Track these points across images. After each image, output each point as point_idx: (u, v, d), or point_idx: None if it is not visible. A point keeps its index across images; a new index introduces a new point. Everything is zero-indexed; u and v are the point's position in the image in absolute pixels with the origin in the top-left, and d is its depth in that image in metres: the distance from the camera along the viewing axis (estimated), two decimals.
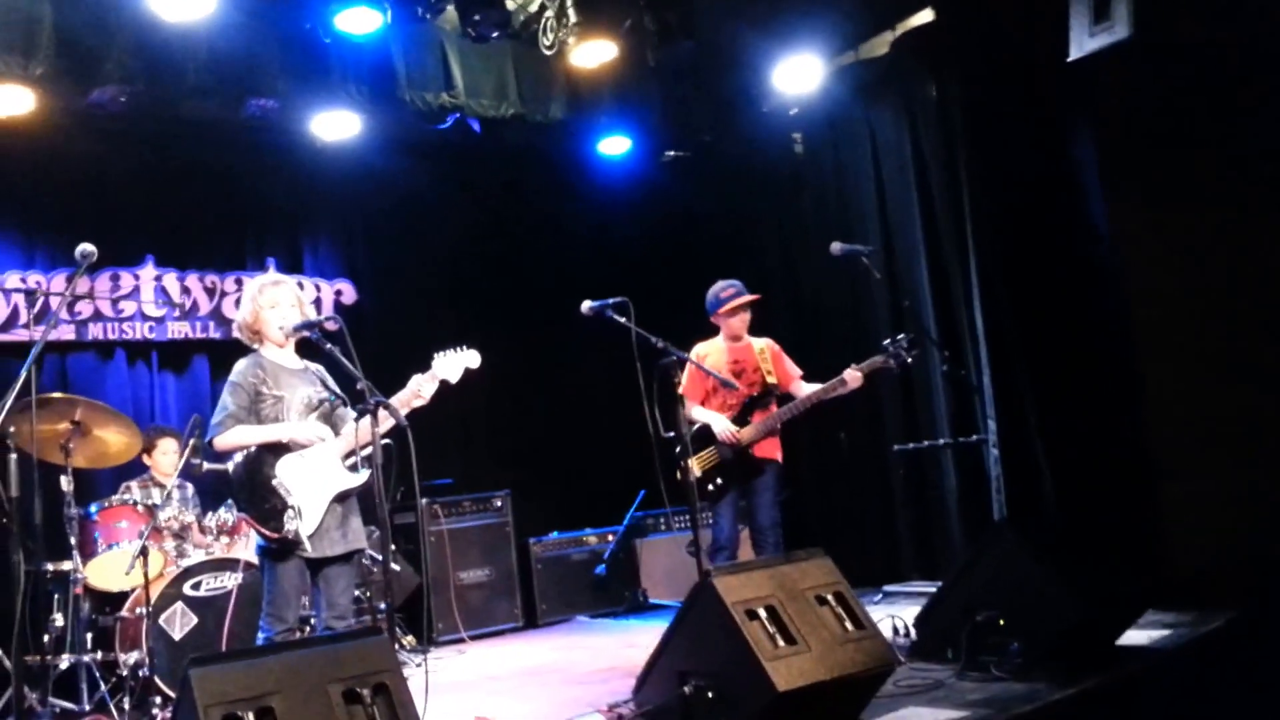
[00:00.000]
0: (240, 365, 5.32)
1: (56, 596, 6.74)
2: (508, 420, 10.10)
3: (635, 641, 7.37)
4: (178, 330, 8.74)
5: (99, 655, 6.66)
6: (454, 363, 5.32)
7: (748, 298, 6.95)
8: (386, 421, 5.01)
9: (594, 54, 8.17)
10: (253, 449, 5.18)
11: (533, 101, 8.64)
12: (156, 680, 6.41)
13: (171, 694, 6.26)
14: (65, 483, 6.60)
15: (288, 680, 3.71)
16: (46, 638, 6.56)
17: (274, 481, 5.10)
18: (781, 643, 4.50)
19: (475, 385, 5.54)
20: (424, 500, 8.67)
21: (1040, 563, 5.41)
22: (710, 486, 6.75)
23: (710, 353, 6.97)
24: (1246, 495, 6.62)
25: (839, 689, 4.57)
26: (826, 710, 4.65)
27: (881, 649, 4.81)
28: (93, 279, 8.32)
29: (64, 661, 6.58)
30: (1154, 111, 7.04)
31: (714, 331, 7.07)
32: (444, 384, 5.32)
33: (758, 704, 4.37)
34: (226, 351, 6.50)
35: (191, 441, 6.96)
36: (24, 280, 8.06)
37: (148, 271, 8.65)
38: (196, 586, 6.75)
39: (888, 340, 6.74)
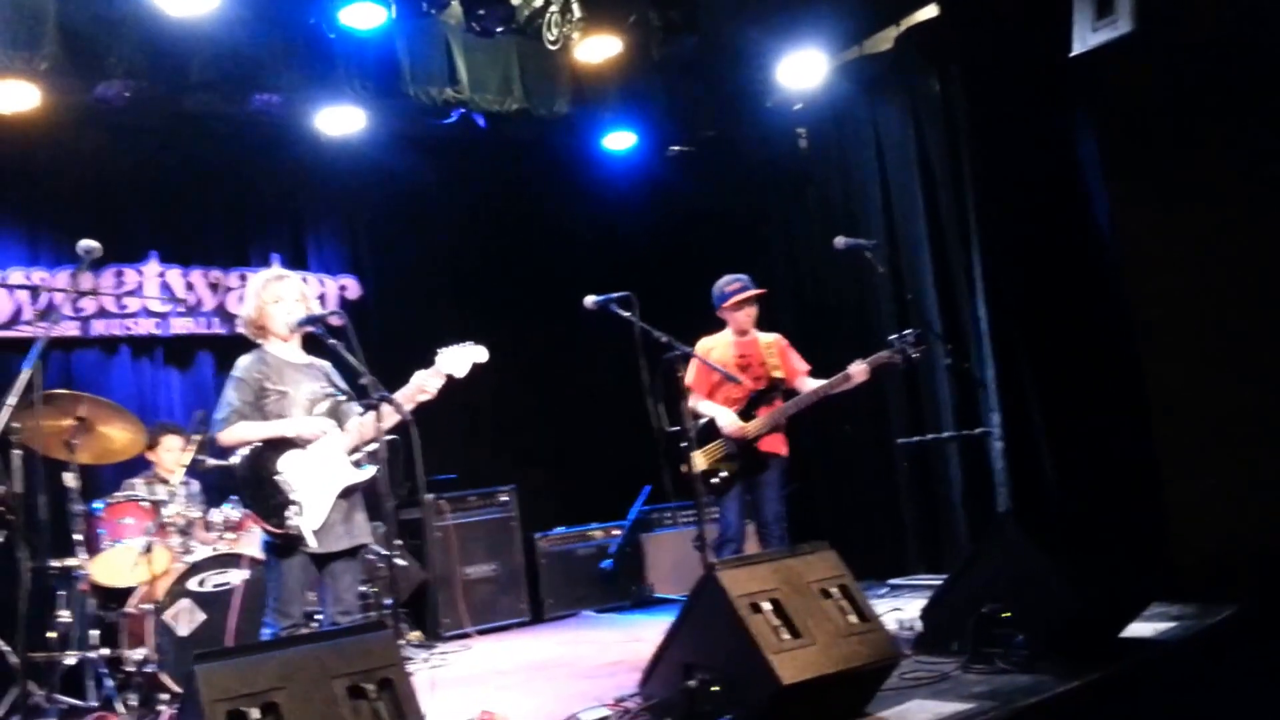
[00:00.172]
0: (244, 361, 5.31)
1: (62, 593, 6.74)
2: (513, 415, 10.11)
3: (642, 636, 7.36)
4: (182, 326, 8.76)
5: (105, 651, 6.65)
6: (460, 357, 5.28)
7: (753, 292, 6.95)
8: (391, 417, 5.01)
9: (598, 49, 8.18)
10: (256, 444, 5.16)
11: (537, 96, 8.64)
12: (163, 676, 6.43)
13: (178, 690, 6.26)
14: (70, 479, 6.60)
15: (292, 676, 3.71)
16: (52, 634, 6.57)
17: (277, 477, 5.09)
18: (786, 636, 4.51)
19: (480, 380, 5.53)
20: (429, 495, 8.68)
21: (1045, 555, 5.40)
22: (715, 480, 6.75)
23: (717, 346, 6.97)
24: (1251, 487, 6.62)
25: (843, 682, 4.57)
26: (831, 703, 4.65)
27: (886, 642, 4.83)
28: (97, 275, 8.32)
29: (70, 658, 6.57)
30: (1159, 108, 7.04)
31: (722, 325, 7.08)
32: (450, 379, 5.31)
33: (762, 697, 4.38)
34: (231, 347, 6.50)
35: (196, 437, 6.96)
36: (28, 276, 8.06)
37: (152, 267, 8.65)
38: (202, 582, 6.74)
39: (894, 336, 6.74)
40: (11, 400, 4.98)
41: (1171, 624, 5.91)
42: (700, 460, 6.57)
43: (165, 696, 6.40)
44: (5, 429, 5.51)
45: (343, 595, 5.24)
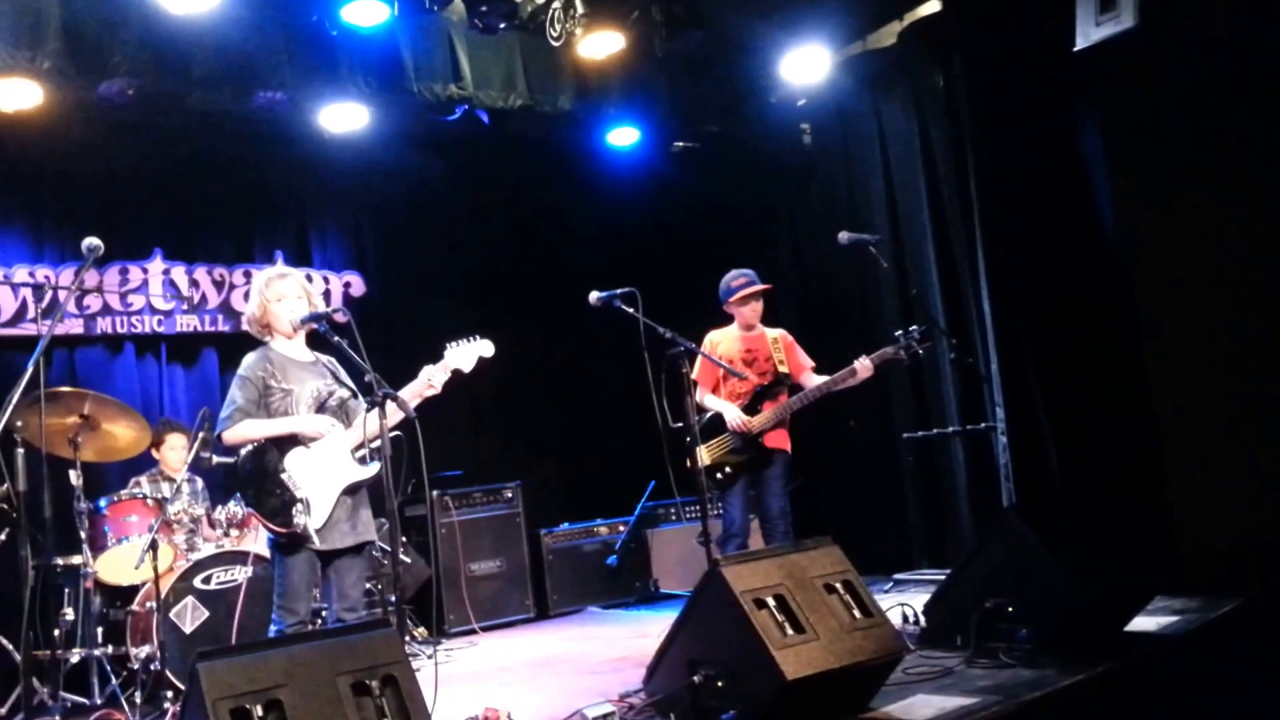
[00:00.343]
0: (249, 359, 5.30)
1: (67, 590, 6.76)
2: (518, 412, 10.12)
3: (647, 631, 7.37)
4: (186, 323, 8.76)
5: (110, 649, 6.68)
6: (467, 352, 5.30)
7: (759, 287, 6.96)
8: (396, 414, 5.01)
9: (602, 45, 8.16)
10: (260, 442, 5.15)
11: (541, 93, 8.62)
12: (168, 674, 6.44)
13: (183, 687, 6.26)
14: (74, 477, 6.62)
15: (295, 673, 3.71)
16: (57, 632, 6.59)
17: (282, 475, 5.09)
18: (790, 631, 4.52)
19: (485, 377, 5.54)
20: (434, 492, 8.70)
21: (1049, 549, 5.41)
22: (719, 475, 6.75)
23: (723, 341, 7.00)
24: (1255, 482, 6.62)
25: (848, 677, 4.58)
26: (836, 698, 4.65)
27: (890, 637, 4.82)
28: (101, 272, 8.33)
29: (75, 656, 6.60)
30: (1165, 103, 7.03)
31: (728, 320, 7.09)
32: (456, 374, 5.31)
33: (767, 692, 4.39)
34: (235, 345, 6.52)
35: (200, 435, 6.97)
36: (32, 274, 8.08)
37: (156, 265, 8.66)
38: (207, 580, 6.76)
39: (899, 332, 6.77)
40: (15, 397, 4.97)
41: (1175, 618, 5.91)
42: (705, 455, 6.58)
43: (170, 694, 6.42)
44: (9, 426, 5.52)
45: (348, 592, 5.23)
